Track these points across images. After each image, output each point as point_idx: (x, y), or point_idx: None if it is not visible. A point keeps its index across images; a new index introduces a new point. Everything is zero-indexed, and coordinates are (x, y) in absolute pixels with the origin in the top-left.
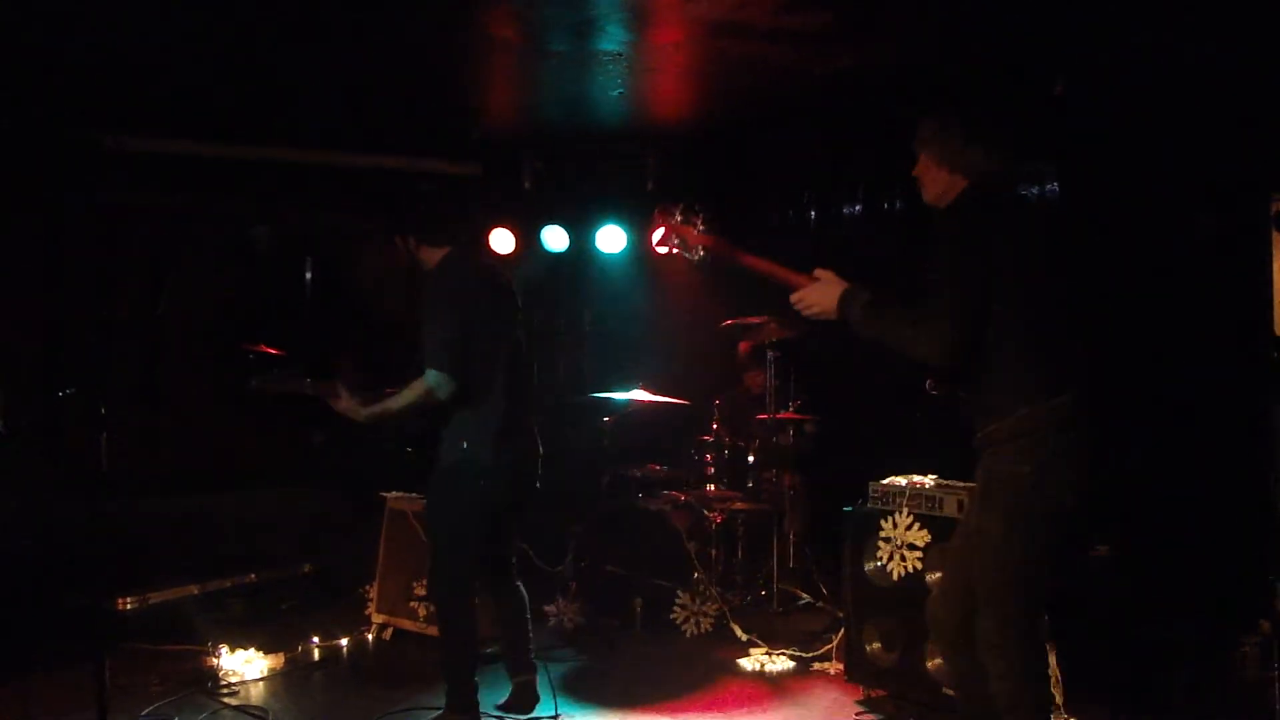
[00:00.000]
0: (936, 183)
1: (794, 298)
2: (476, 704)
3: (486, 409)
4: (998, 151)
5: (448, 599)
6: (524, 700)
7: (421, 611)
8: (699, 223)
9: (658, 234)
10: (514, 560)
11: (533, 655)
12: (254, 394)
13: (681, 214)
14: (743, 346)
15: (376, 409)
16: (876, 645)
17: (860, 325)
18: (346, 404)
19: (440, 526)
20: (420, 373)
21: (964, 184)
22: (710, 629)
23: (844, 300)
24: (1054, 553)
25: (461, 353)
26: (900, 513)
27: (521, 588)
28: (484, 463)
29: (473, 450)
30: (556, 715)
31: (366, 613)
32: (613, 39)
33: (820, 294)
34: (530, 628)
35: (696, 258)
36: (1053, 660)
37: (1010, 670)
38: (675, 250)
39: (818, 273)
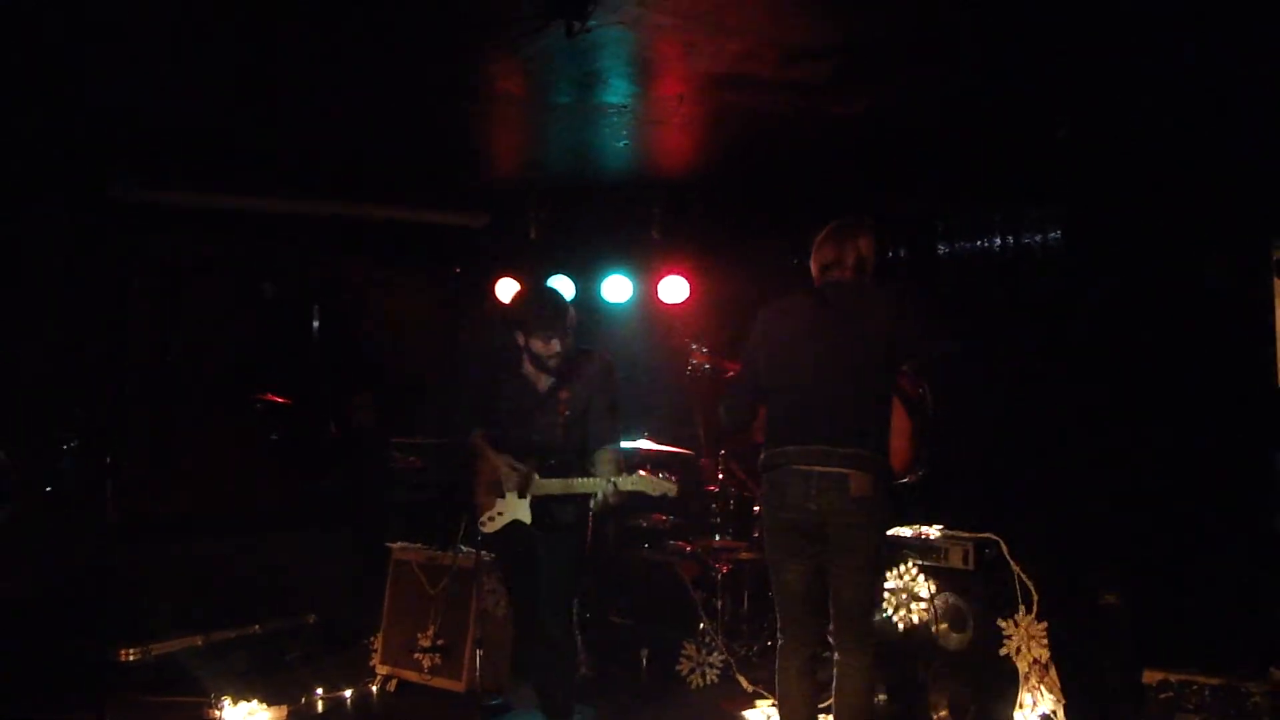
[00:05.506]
0: None
1: None
2: None
3: None
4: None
5: (570, 620)
6: None
7: (426, 663)
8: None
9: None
10: None
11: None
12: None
13: None
14: None
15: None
16: (882, 697)
17: None
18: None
19: (577, 557)
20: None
21: None
22: (716, 680)
23: None
24: None
25: None
26: (905, 563)
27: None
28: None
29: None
30: None
31: (371, 664)
32: (617, 92)
33: None
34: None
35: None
36: (1060, 709)
37: None
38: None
39: None
